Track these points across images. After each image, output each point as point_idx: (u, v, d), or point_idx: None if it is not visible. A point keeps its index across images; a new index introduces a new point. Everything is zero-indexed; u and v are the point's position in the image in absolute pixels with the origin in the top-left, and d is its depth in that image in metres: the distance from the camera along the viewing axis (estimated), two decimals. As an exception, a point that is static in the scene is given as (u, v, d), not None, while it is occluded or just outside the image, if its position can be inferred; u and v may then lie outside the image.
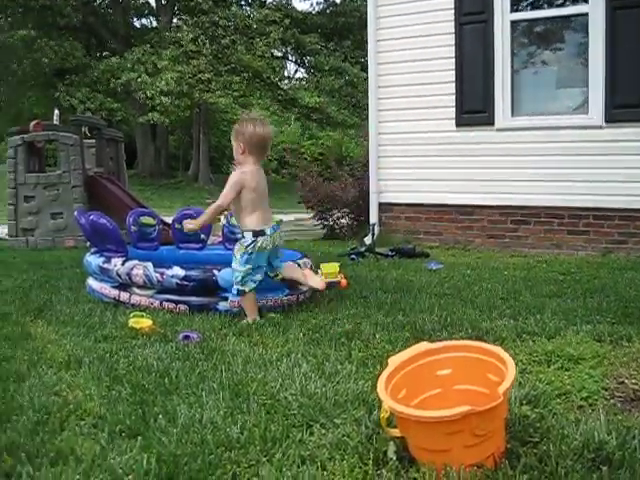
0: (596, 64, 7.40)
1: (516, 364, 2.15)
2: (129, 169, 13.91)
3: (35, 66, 28.60)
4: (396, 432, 2.05)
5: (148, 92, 25.00)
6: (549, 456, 1.97)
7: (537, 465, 1.94)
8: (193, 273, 4.43)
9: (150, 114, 25.98)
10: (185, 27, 27.00)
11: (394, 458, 2.04)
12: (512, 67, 7.97)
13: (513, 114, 7.95)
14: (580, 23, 7.69)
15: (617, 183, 7.31)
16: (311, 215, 10.07)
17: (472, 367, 2.18)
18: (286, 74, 33.19)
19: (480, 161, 8.05)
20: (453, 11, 8.14)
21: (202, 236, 5.61)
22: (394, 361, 2.21)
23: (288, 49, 31.05)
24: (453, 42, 8.16)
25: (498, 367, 2.09)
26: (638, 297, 4.61)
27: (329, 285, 5.14)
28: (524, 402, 2.42)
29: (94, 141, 10.63)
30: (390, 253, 7.28)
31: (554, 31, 8.24)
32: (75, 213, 5.96)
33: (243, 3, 30.27)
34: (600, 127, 7.41)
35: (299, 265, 4.67)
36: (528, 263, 6.85)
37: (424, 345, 2.29)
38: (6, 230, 9.59)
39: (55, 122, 10.77)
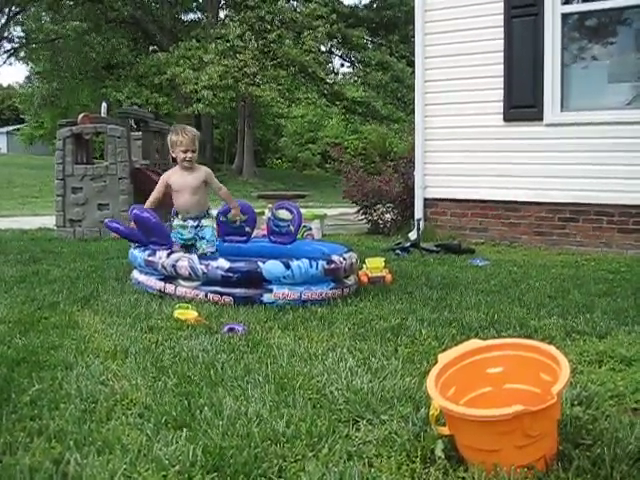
0: (650, 58, 7.22)
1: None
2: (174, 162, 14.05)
3: (84, 60, 29.08)
4: (445, 430, 2.01)
5: (190, 86, 25.21)
6: (603, 460, 1.91)
7: (590, 468, 1.88)
8: (238, 265, 4.43)
9: (195, 105, 26.19)
10: (231, 23, 27.13)
11: (442, 457, 2.00)
12: (562, 61, 7.82)
13: (562, 109, 7.80)
14: (634, 15, 7.51)
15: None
16: (355, 210, 10.03)
17: (524, 366, 2.13)
18: (331, 68, 33.12)
19: (528, 157, 7.92)
20: (502, 4, 8.01)
21: (247, 229, 5.62)
22: (444, 358, 2.17)
23: (334, 43, 30.97)
24: (502, 36, 8.03)
25: (551, 366, 2.04)
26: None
27: (374, 280, 5.12)
28: (576, 403, 2.36)
29: (141, 133, 10.73)
30: (435, 249, 7.21)
31: (606, 24, 8.06)
32: (131, 208, 6.02)
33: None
34: (653, 123, 7.23)
35: (344, 259, 4.66)
36: (576, 261, 6.72)
37: (474, 342, 2.25)
38: (54, 221, 9.73)
39: (103, 115, 10.89)
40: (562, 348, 3.12)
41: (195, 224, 5.13)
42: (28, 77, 38.55)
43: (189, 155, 4.99)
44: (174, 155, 5.05)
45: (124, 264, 5.97)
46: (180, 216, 5.15)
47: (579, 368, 2.88)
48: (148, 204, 5.08)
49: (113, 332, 3.64)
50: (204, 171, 5.15)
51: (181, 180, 5.05)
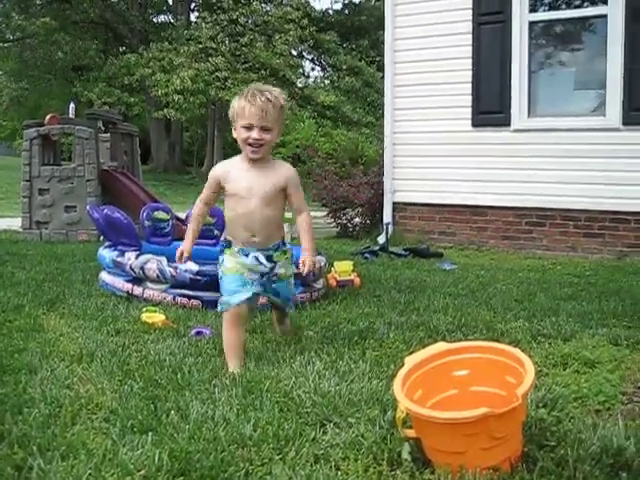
0: (614, 66, 7.34)
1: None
2: (143, 164, 13.97)
3: (52, 59, 28.76)
4: (411, 433, 2.02)
5: (161, 90, 25.05)
6: (566, 461, 1.93)
7: (554, 469, 1.91)
8: (206, 268, 4.42)
9: (165, 110, 26.04)
10: (204, 25, 27.02)
11: (409, 459, 2.01)
12: (529, 68, 7.92)
13: (530, 115, 7.90)
14: (599, 24, 7.64)
15: (634, 186, 7.24)
16: (324, 213, 10.04)
17: (489, 368, 2.15)
18: (302, 72, 33.16)
19: (495, 162, 8.00)
20: (471, 11, 8.09)
21: (215, 232, 5.60)
22: (410, 361, 2.18)
23: (305, 47, 31.02)
24: (470, 42, 8.11)
25: (516, 369, 2.06)
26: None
27: (343, 283, 5.13)
28: (540, 405, 2.38)
29: (109, 135, 10.64)
30: (404, 253, 7.24)
31: (572, 32, 8.18)
32: (87, 207, 5.97)
33: (262, 0, 30.25)
34: (617, 129, 7.36)
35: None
36: (543, 265, 6.80)
37: (441, 345, 2.27)
38: (20, 223, 9.61)
39: (71, 116, 10.78)
40: (528, 351, 3.16)
41: (264, 264, 3.19)
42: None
43: (256, 135, 3.05)
44: (235, 136, 3.19)
45: (91, 267, 5.91)
46: (235, 244, 3.20)
47: (544, 370, 2.92)
48: (199, 204, 3.36)
49: (79, 335, 3.61)
50: (287, 171, 3.22)
51: (244, 179, 3.15)
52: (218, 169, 3.27)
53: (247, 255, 3.17)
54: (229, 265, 3.17)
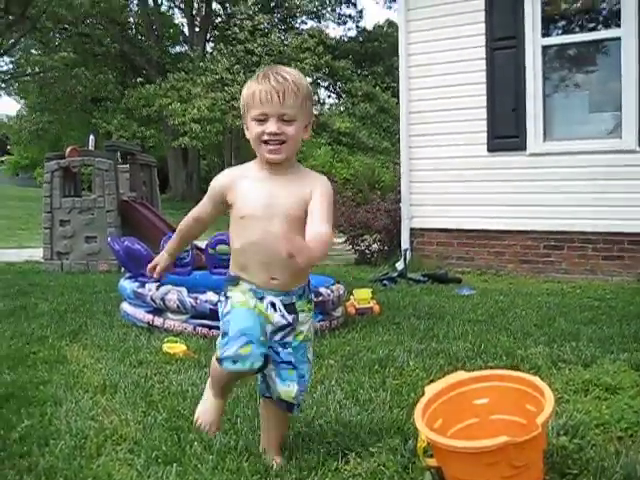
0: (629, 88, 7.36)
1: (553, 393, 2.12)
2: (161, 193, 14.13)
3: (72, 93, 29.22)
4: (433, 462, 2.03)
5: (178, 119, 25.34)
6: (589, 489, 1.94)
7: (577, 498, 1.91)
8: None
9: (181, 139, 26.31)
10: (219, 57, 27.35)
11: (431, 488, 2.02)
12: (544, 92, 7.95)
13: (545, 139, 7.91)
14: (613, 47, 7.66)
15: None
16: (342, 239, 10.08)
17: (509, 397, 2.16)
18: (318, 99, 33.41)
19: (512, 186, 8.01)
20: (484, 37, 8.15)
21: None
22: (430, 390, 2.20)
23: (320, 75, 31.28)
24: (484, 67, 8.16)
25: (536, 397, 2.07)
26: (676, 325, 4.53)
27: (362, 311, 5.15)
28: (562, 433, 2.39)
29: (128, 166, 10.78)
30: (422, 279, 7.25)
31: (586, 55, 8.21)
32: (108, 239, 6.04)
33: (278, 30, 30.60)
34: (633, 151, 7.35)
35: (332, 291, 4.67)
36: (562, 289, 6.78)
37: (461, 374, 2.28)
38: (41, 253, 9.72)
39: (90, 148, 10.95)
40: (548, 377, 3.16)
41: (283, 314, 2.33)
42: (18, 110, 38.66)
43: (273, 128, 2.25)
44: (248, 137, 2.35)
45: (112, 298, 5.97)
46: (245, 281, 2.35)
47: (565, 397, 2.92)
48: (188, 218, 2.51)
49: (102, 366, 3.65)
50: (315, 179, 2.35)
51: (260, 192, 2.31)
52: (223, 177, 2.38)
53: (261, 298, 2.29)
54: (239, 298, 2.28)
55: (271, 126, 2.23)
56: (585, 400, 2.88)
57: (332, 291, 4.69)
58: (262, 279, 2.28)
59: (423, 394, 2.21)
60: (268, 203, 2.24)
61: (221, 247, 5.10)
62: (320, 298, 4.53)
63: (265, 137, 2.25)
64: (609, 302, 5.78)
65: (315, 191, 2.25)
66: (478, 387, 2.22)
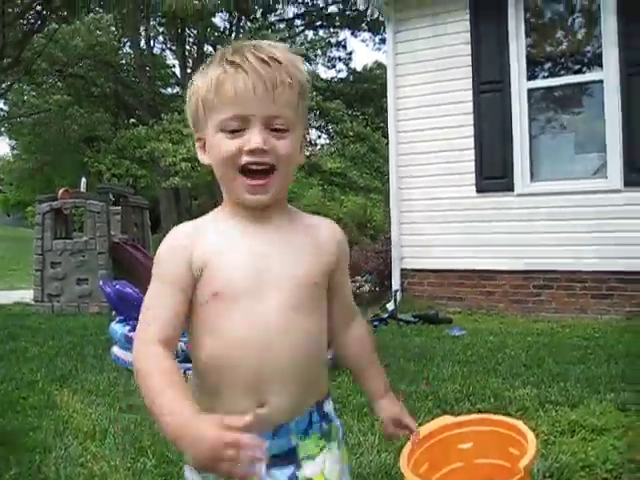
0: (613, 129, 7.50)
1: (539, 435, 2.16)
2: (153, 233, 14.18)
3: (65, 133, 29.43)
4: (419, 506, 2.04)
5: (169, 159, 25.51)
6: (573, 532, 1.96)
7: (561, 541, 1.93)
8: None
9: (172, 179, 26.45)
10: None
11: (417, 533, 2.03)
12: (530, 133, 8.09)
13: (532, 179, 8.03)
14: (596, 89, 7.82)
15: (639, 246, 7.30)
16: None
17: (493, 441, 2.18)
18: (309, 140, 33.72)
19: (501, 226, 8.09)
20: (471, 80, 8.30)
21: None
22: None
23: (311, 116, 31.62)
24: (472, 110, 8.30)
25: (519, 441, 2.10)
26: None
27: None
28: (547, 475, 2.42)
29: (120, 208, 10.85)
30: (413, 319, 7.28)
31: (571, 97, 8.37)
32: (99, 282, 6.08)
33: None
34: (619, 191, 7.46)
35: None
36: (552, 328, 6.82)
37: (446, 418, 2.31)
38: (32, 295, 9.72)
39: (82, 190, 11.02)
40: (535, 419, 3.19)
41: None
42: (11, 149, 38.85)
43: (257, 139, 1.33)
44: (205, 159, 1.45)
45: (103, 340, 5.98)
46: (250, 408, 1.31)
47: (551, 439, 2.95)
48: (153, 349, 1.31)
49: (92, 411, 3.66)
50: (332, 231, 1.54)
51: (241, 254, 1.38)
52: (179, 237, 1.42)
53: None
54: None
55: (254, 137, 1.31)
56: (571, 441, 2.90)
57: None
58: (243, 407, 1.29)
59: (409, 438, 2.24)
60: (258, 268, 1.34)
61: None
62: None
63: (243, 159, 1.31)
64: (597, 341, 5.82)
65: (342, 261, 1.49)
66: (463, 431, 2.24)
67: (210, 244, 1.37)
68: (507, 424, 2.20)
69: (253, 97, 1.31)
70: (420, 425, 2.41)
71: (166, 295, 1.35)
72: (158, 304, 1.35)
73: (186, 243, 1.37)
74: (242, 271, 1.35)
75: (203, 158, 1.45)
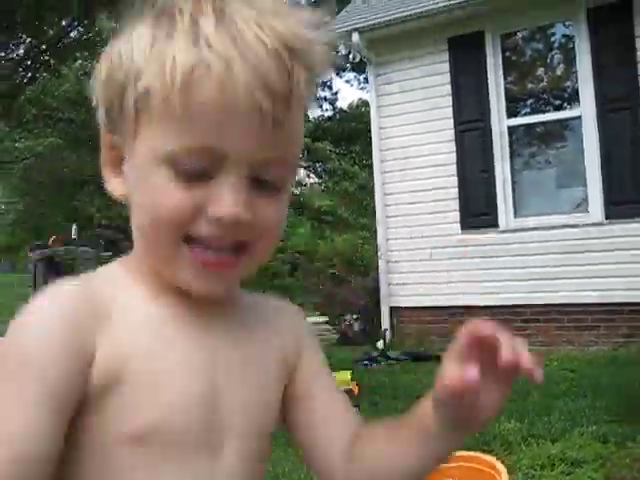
0: (592, 163, 7.68)
1: (520, 469, 2.25)
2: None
3: (57, 177, 29.59)
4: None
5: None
6: None
7: None
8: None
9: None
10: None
11: None
12: (512, 170, 8.27)
13: (516, 215, 8.18)
14: (575, 124, 8.03)
15: (623, 278, 7.43)
16: (324, 320, 10.21)
17: (471, 477, 2.29)
18: (297, 178, 34.05)
19: (487, 262, 8.22)
20: (452, 120, 8.51)
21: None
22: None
23: (300, 156, 31.94)
24: (454, 148, 8.49)
25: (494, 477, 2.21)
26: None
27: (341, 393, 5.25)
28: (527, 508, 2.51)
29: (111, 254, 10.94)
30: (402, 357, 7.37)
31: (551, 133, 8.59)
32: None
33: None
34: (601, 224, 7.62)
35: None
36: (539, 362, 6.89)
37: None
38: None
39: (73, 236, 11.14)
40: (517, 453, 3.29)
41: None
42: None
43: (233, 213, 0.76)
44: (110, 180, 0.89)
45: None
46: None
47: (531, 473, 3.04)
48: None
49: None
50: (298, 324, 1.01)
51: (188, 371, 0.80)
52: (68, 310, 0.76)
53: None
54: None
55: (227, 197, 0.76)
56: (551, 475, 3.00)
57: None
58: None
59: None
60: (208, 397, 0.82)
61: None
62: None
63: (200, 229, 0.78)
64: (583, 373, 5.92)
65: (309, 351, 1.00)
66: (443, 468, 2.34)
67: (126, 338, 0.77)
68: (483, 461, 2.32)
69: (247, 122, 0.74)
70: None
71: (27, 408, 0.70)
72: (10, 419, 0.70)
73: (83, 324, 0.75)
74: (187, 401, 0.79)
75: (113, 183, 0.88)
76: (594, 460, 3.10)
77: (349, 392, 5.26)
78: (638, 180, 7.46)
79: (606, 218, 7.60)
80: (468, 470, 2.34)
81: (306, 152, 30.09)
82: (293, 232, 30.33)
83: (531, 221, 8.09)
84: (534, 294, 7.96)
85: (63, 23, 23.94)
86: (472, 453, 2.49)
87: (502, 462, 2.27)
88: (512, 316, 8.11)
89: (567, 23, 8.24)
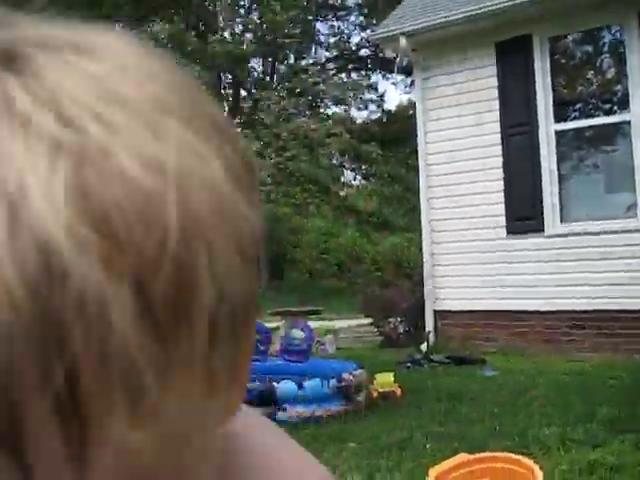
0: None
1: (558, 473, 2.30)
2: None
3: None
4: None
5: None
6: None
7: None
8: (253, 385, 4.67)
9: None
10: (247, 142, 28.07)
11: None
12: (559, 174, 8.22)
13: (562, 220, 8.13)
14: (624, 129, 7.96)
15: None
16: (370, 321, 10.28)
17: (507, 477, 2.35)
18: (344, 181, 34.12)
19: (532, 267, 8.19)
20: (499, 123, 8.49)
21: (261, 347, 5.87)
22: (433, 472, 2.40)
23: (346, 159, 32.00)
24: (500, 152, 8.47)
25: (526, 475, 2.27)
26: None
27: (384, 395, 5.33)
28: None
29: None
30: (446, 360, 7.40)
31: (599, 138, 8.52)
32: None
33: (304, 115, 31.50)
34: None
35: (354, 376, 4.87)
36: (583, 368, 6.86)
37: (462, 456, 2.48)
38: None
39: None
40: (556, 458, 3.32)
41: None
42: None
43: None
44: None
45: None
46: None
47: (570, 476, 3.08)
48: None
49: None
50: None
51: None
52: None
53: None
54: None
55: None
56: (589, 479, 3.03)
57: (354, 376, 4.90)
58: None
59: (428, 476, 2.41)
60: None
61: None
62: (343, 383, 4.75)
63: None
64: (626, 381, 5.87)
65: None
66: (477, 468, 2.41)
67: None
68: (519, 462, 2.38)
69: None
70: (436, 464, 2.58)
71: None
72: None
73: None
74: None
75: None
76: (632, 466, 3.12)
77: (392, 394, 5.34)
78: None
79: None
80: (501, 471, 2.40)
81: (352, 153, 30.15)
82: (338, 234, 30.44)
83: (577, 226, 8.02)
84: (579, 300, 7.87)
85: None
86: (512, 455, 2.55)
87: (540, 467, 2.32)
88: (557, 322, 8.08)
89: (617, 26, 8.15)
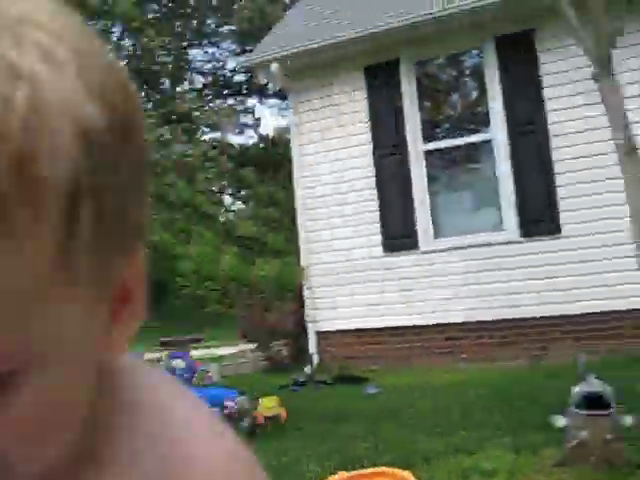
0: (505, 184, 8.00)
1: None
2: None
3: None
4: None
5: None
6: None
7: None
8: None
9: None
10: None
11: None
12: (430, 192, 8.51)
13: (435, 236, 8.41)
14: (487, 148, 8.35)
15: (538, 293, 7.73)
16: (253, 347, 10.21)
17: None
18: (224, 206, 33.96)
19: (409, 283, 8.41)
20: (371, 145, 8.71)
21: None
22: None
23: (225, 183, 31.88)
24: (374, 173, 8.68)
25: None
26: (559, 404, 4.88)
27: (269, 418, 5.31)
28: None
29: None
30: (329, 381, 7.45)
31: (466, 156, 8.89)
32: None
33: (182, 141, 31.23)
34: (518, 242, 7.91)
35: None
36: (462, 379, 7.09)
37: (340, 475, 2.51)
38: None
39: None
40: (435, 467, 3.41)
41: None
42: None
43: None
44: None
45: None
46: None
47: (446, 485, 3.17)
48: None
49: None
50: None
51: None
52: None
53: None
54: None
55: None
56: (464, 486, 3.13)
57: (236, 403, 4.86)
58: None
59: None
60: None
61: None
62: (226, 411, 4.70)
63: None
64: (503, 387, 6.11)
65: None
66: (356, 484, 2.44)
67: None
68: (396, 475, 2.42)
69: None
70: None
71: None
72: None
73: None
74: None
75: None
76: (505, 470, 3.24)
77: (277, 417, 5.33)
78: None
79: (521, 236, 7.92)
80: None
81: (230, 177, 30.12)
82: (220, 259, 30.18)
83: (450, 241, 8.32)
84: (455, 312, 8.17)
85: None
86: (387, 469, 2.59)
87: (418, 478, 2.38)
88: (436, 334, 8.32)
89: (477, 50, 8.57)
